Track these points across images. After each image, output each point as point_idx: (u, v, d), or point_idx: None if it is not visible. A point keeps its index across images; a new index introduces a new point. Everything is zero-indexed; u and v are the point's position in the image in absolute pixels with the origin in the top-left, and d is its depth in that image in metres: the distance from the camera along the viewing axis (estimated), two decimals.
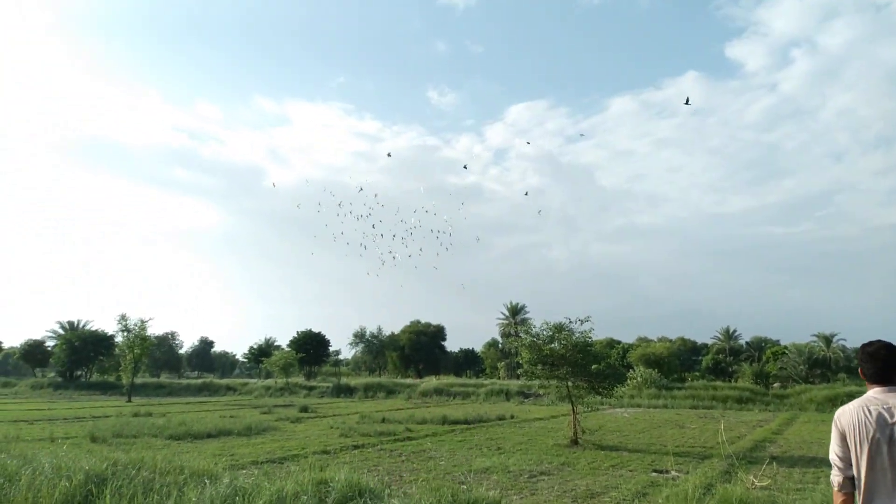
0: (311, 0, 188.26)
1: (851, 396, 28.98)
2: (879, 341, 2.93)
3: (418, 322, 76.71)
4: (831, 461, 2.88)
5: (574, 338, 16.23)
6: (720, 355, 73.16)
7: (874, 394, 2.90)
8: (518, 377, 26.01)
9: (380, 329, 77.54)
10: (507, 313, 76.11)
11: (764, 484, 8.01)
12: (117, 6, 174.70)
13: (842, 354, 59.10)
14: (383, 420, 21.65)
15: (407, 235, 33.98)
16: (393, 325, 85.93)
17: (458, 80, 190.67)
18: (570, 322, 16.32)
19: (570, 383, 16.41)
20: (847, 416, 2.94)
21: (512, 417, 23.55)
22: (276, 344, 67.67)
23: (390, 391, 42.44)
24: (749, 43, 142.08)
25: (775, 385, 44.33)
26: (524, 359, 16.68)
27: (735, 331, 76.45)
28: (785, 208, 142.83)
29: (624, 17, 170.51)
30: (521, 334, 20.90)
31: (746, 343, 76.67)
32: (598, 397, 16.99)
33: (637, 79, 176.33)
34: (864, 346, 3.01)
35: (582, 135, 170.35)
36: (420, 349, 73.61)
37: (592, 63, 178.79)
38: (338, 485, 6.90)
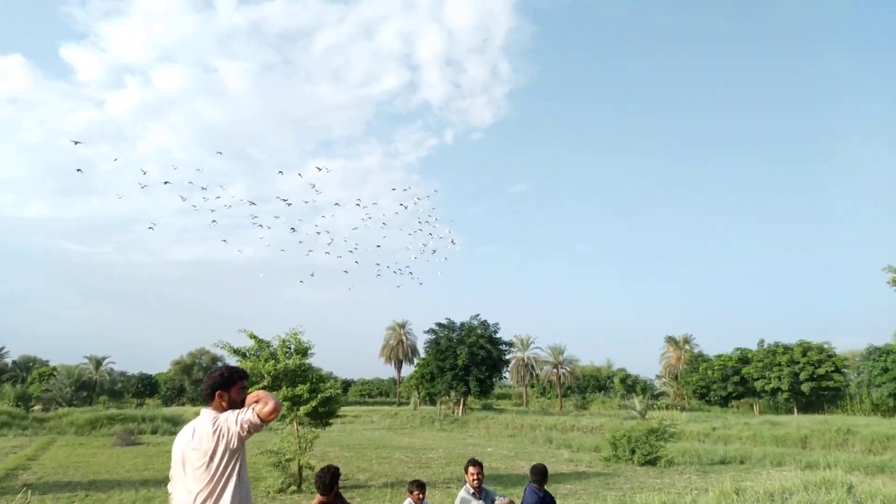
0: None
1: (112, 419, 31.70)
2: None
3: None
4: None
5: None
6: None
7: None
8: None
9: None
10: None
11: None
12: None
13: (108, 377, 62.95)
14: None
15: None
16: None
17: None
18: None
19: None
20: None
21: None
22: None
23: None
24: (87, 52, 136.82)
25: (36, 408, 43.13)
26: None
27: (2, 348, 69.68)
28: (87, 226, 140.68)
29: None
30: None
31: (14, 362, 70.93)
32: None
33: None
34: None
35: None
36: None
37: None
38: None
